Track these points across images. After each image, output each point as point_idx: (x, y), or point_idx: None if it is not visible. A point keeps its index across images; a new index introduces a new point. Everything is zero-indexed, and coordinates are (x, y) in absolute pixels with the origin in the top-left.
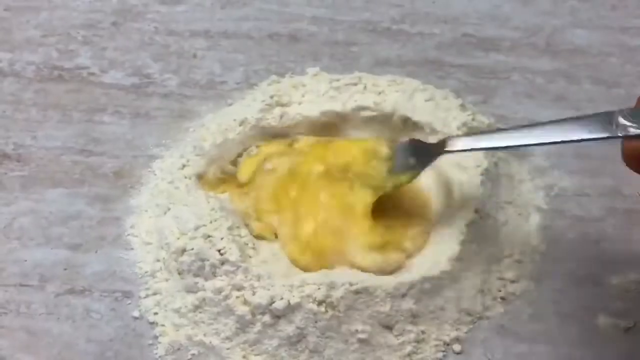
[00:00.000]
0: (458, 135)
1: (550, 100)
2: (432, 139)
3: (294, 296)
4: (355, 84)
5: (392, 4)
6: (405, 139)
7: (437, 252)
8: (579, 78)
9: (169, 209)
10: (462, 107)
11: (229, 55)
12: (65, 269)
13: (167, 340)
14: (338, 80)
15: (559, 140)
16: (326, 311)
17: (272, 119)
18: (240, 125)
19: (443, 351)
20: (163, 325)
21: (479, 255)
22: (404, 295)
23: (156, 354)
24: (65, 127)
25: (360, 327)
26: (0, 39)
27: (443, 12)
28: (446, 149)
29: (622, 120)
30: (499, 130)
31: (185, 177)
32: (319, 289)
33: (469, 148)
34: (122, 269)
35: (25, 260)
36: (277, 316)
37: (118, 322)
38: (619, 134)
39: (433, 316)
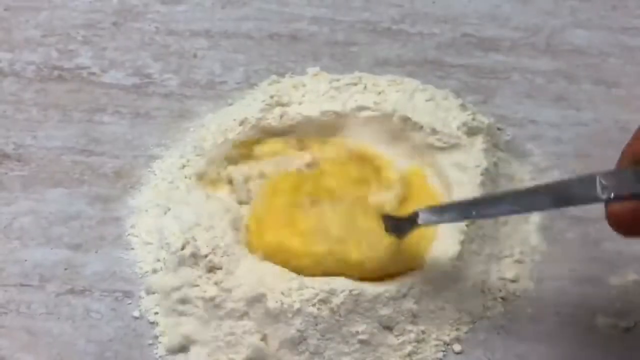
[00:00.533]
0: (427, 209)
1: (550, 100)
2: (432, 140)
3: (294, 301)
4: (355, 84)
5: (392, 4)
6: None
7: (437, 252)
8: (579, 78)
9: (169, 209)
10: (462, 107)
11: (229, 55)
12: (65, 269)
13: (167, 340)
14: (338, 80)
15: (537, 209)
16: (326, 315)
17: (272, 119)
18: (240, 125)
19: (443, 351)
20: (163, 325)
21: (479, 255)
22: (404, 296)
23: (156, 353)
24: (66, 127)
25: (360, 329)
26: (0, 39)
27: (443, 12)
28: (419, 224)
29: (603, 182)
30: (475, 200)
31: (185, 177)
32: (318, 294)
33: (440, 221)
34: (122, 269)
35: (26, 260)
36: (276, 317)
37: (118, 322)
38: (603, 197)
39: (433, 316)
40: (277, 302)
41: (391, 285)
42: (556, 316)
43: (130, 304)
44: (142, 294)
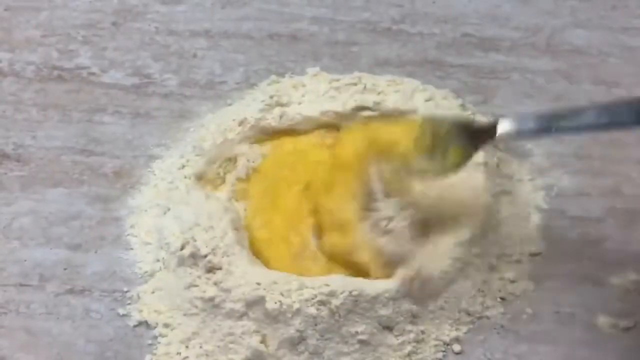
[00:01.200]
0: (508, 118)
1: (550, 100)
2: None
3: (293, 301)
4: (355, 84)
5: (392, 4)
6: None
7: (437, 252)
8: (579, 78)
9: (168, 209)
10: (462, 107)
11: (229, 55)
12: (65, 269)
13: (167, 340)
14: (338, 80)
15: (620, 123)
16: (326, 315)
17: (272, 119)
18: (239, 125)
19: (443, 351)
20: (163, 325)
21: (479, 256)
22: (404, 296)
23: (156, 353)
24: (65, 127)
25: (360, 329)
26: (0, 39)
27: (443, 12)
28: (498, 134)
29: None
30: (557, 112)
31: (185, 177)
32: (317, 295)
33: (519, 134)
34: (122, 269)
35: (25, 260)
36: (275, 318)
37: (118, 322)
38: None
39: (433, 316)
40: (276, 302)
41: (391, 285)
42: (556, 316)
43: (129, 304)
44: (142, 293)
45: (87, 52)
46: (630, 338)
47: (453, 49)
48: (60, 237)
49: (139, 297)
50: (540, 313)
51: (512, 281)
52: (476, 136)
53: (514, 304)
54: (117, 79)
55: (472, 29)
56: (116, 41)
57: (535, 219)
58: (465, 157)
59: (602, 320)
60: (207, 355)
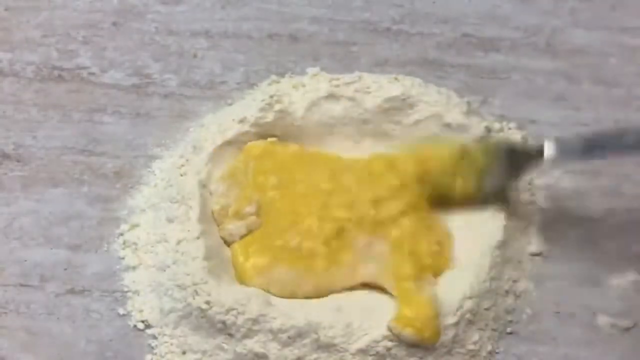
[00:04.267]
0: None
1: (550, 100)
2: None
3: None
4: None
5: (392, 4)
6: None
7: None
8: (579, 78)
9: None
10: (469, 104)
11: (229, 55)
12: (65, 269)
13: (167, 340)
14: (338, 79)
15: None
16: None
17: (272, 119)
18: (240, 125)
19: None
20: (163, 325)
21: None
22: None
23: (156, 353)
24: (65, 127)
25: None
26: (0, 39)
27: (443, 12)
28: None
29: None
30: (604, 135)
31: (182, 175)
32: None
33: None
34: (122, 269)
35: (25, 260)
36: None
37: (118, 322)
38: None
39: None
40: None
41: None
42: (556, 316)
43: (129, 304)
44: (142, 293)
45: (87, 52)
46: (630, 338)
47: (453, 49)
48: (61, 237)
49: (138, 297)
50: (540, 313)
51: (513, 281)
52: (521, 160)
53: (514, 304)
54: (117, 79)
55: (472, 29)
56: (116, 41)
57: (535, 219)
58: (511, 181)
59: (602, 320)
60: (207, 355)
